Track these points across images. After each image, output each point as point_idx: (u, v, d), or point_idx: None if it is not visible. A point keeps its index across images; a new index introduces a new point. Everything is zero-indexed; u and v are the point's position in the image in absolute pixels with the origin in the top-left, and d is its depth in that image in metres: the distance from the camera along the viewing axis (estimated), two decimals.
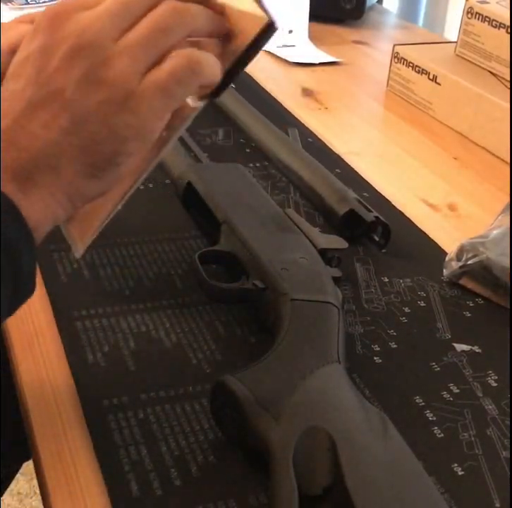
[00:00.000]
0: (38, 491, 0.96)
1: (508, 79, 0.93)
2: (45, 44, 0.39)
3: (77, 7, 0.40)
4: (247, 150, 0.82)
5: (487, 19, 0.96)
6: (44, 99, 0.38)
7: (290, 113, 0.95)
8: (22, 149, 0.38)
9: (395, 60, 1.04)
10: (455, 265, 0.61)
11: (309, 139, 0.87)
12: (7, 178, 0.37)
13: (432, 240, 0.69)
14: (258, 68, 1.10)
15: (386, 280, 0.62)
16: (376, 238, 0.66)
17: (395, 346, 0.55)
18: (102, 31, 0.39)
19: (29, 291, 0.39)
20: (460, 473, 0.45)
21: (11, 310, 0.39)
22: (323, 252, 0.57)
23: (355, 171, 0.81)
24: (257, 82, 1.05)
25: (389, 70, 1.06)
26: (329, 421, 0.41)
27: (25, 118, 0.38)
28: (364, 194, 0.74)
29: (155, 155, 0.44)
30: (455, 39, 1.02)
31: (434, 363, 0.53)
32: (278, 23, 0.41)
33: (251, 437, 0.42)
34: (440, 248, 0.67)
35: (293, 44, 1.19)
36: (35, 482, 1.45)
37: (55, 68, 0.39)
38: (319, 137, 0.89)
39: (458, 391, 0.51)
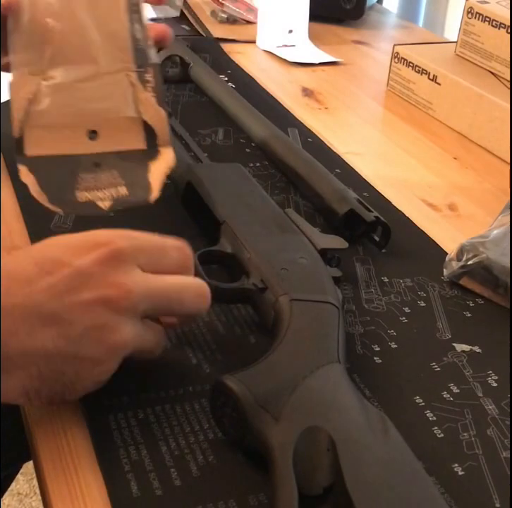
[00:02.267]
0: (38, 491, 0.96)
1: (508, 79, 0.93)
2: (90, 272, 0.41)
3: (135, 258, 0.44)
4: (247, 150, 0.82)
5: (487, 19, 0.96)
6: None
7: (290, 113, 0.95)
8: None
9: (396, 60, 1.04)
10: (455, 265, 0.61)
11: (309, 139, 0.87)
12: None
13: (432, 240, 0.69)
14: (258, 68, 1.10)
15: (386, 280, 0.62)
16: (376, 238, 0.66)
17: (395, 346, 0.55)
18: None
19: None
20: (460, 473, 0.45)
21: None
22: (323, 252, 0.57)
23: (355, 171, 0.80)
24: (257, 82, 1.05)
25: (389, 70, 1.06)
26: (329, 421, 0.41)
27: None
28: (364, 194, 0.74)
29: None
30: (455, 39, 1.02)
31: (434, 363, 0.53)
32: None
33: (251, 437, 0.42)
34: (440, 247, 0.67)
35: (293, 44, 1.19)
36: (35, 482, 1.45)
37: (82, 303, 0.41)
38: (319, 137, 0.89)
39: (458, 391, 0.51)
